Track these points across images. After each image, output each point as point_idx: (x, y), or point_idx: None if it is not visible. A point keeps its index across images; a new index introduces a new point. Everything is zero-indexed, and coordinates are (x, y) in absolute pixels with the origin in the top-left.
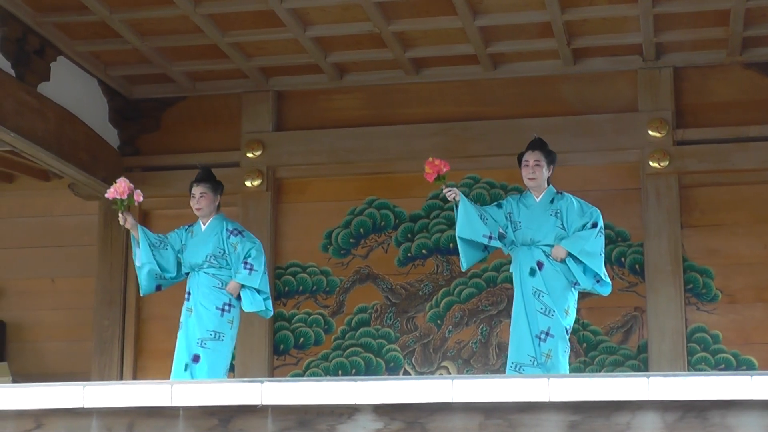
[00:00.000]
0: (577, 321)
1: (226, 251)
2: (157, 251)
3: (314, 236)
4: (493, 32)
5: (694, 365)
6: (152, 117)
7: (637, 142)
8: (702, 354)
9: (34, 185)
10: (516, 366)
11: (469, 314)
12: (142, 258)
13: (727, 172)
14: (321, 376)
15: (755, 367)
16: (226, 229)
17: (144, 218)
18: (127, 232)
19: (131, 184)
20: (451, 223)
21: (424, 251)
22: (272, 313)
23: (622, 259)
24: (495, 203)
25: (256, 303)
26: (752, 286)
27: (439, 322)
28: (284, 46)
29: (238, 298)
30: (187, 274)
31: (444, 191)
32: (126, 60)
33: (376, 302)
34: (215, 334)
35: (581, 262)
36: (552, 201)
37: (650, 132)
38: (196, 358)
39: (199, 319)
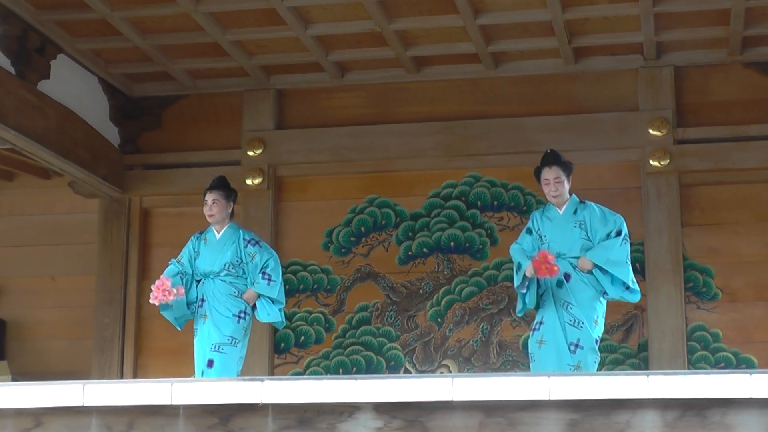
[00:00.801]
0: None
1: (244, 260)
2: (184, 301)
3: (315, 235)
4: (494, 31)
5: (694, 364)
6: (153, 115)
7: (638, 141)
8: (702, 352)
9: (35, 183)
10: None
11: (469, 313)
12: (176, 312)
13: (728, 171)
14: (321, 374)
15: (755, 366)
16: (243, 239)
17: (145, 216)
18: (129, 230)
19: (166, 287)
20: (452, 222)
21: (424, 250)
22: (284, 324)
23: None
24: (525, 230)
25: (272, 314)
26: (752, 285)
27: (439, 320)
28: (285, 45)
29: (254, 307)
30: (198, 281)
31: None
32: (127, 58)
33: (376, 301)
34: (231, 340)
35: (608, 272)
36: (575, 212)
37: (651, 131)
38: (210, 363)
39: (216, 326)
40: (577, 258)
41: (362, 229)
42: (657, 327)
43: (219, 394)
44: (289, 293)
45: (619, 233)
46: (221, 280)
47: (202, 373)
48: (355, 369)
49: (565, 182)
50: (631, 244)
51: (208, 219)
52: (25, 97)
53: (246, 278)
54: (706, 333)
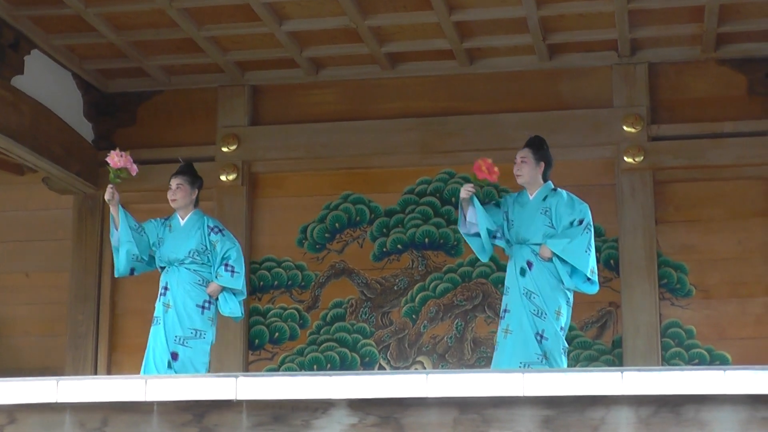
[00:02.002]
0: None
1: (208, 248)
2: (135, 234)
3: (289, 231)
4: (469, 27)
5: (668, 360)
6: (127, 111)
7: (612, 138)
8: (676, 349)
9: (8, 179)
10: (525, 365)
11: (444, 309)
12: (121, 238)
13: (702, 167)
14: (296, 370)
15: (729, 362)
16: (207, 226)
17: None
18: (103, 226)
19: (131, 160)
20: (426, 219)
21: (399, 246)
22: (242, 317)
23: (597, 254)
24: (493, 202)
25: (234, 308)
26: (726, 282)
27: (414, 317)
28: (260, 41)
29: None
30: (162, 268)
31: (468, 187)
32: (101, 54)
33: (351, 297)
34: (196, 333)
35: (567, 261)
36: (545, 199)
37: (625, 128)
38: (174, 356)
39: (180, 317)
40: (539, 245)
41: (337, 225)
42: (631, 323)
43: (193, 391)
44: (263, 289)
45: (581, 222)
46: (186, 269)
47: (169, 363)
48: (329, 365)
49: (532, 165)
50: (605, 241)
51: (171, 204)
52: None
53: (210, 266)
54: (681, 330)
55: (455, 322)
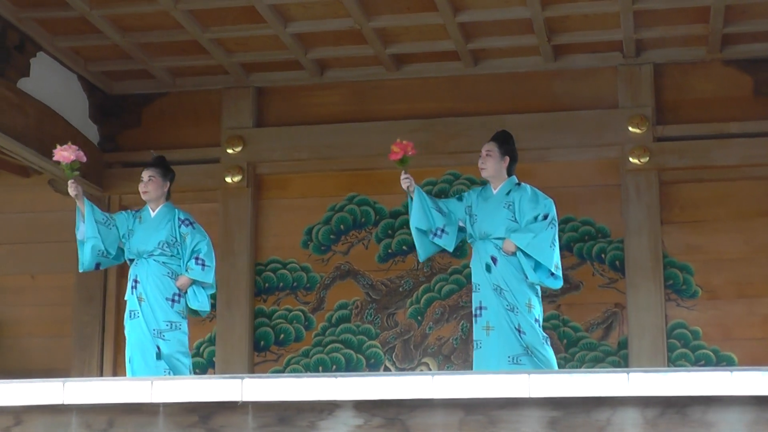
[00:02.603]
0: (557, 317)
1: (178, 240)
2: (102, 227)
3: (294, 232)
4: (474, 28)
5: (674, 361)
6: (132, 113)
7: (618, 139)
8: (682, 350)
9: (14, 181)
10: (514, 358)
11: (449, 311)
12: (86, 232)
13: (708, 168)
14: (301, 372)
15: (735, 363)
16: (178, 218)
17: None
18: None
19: (76, 148)
20: None
21: (404, 247)
22: (209, 311)
23: (603, 255)
24: (456, 196)
25: (203, 302)
26: (732, 282)
27: (419, 318)
28: (265, 42)
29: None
30: (131, 260)
31: (402, 177)
32: (106, 56)
33: (356, 298)
34: (171, 324)
35: (531, 256)
36: (508, 193)
37: (630, 128)
38: (158, 349)
39: (153, 310)
40: (502, 239)
41: (342, 227)
42: (637, 325)
43: (199, 392)
44: (268, 291)
45: (545, 217)
46: (155, 260)
47: (158, 354)
48: (335, 367)
49: (497, 158)
50: (610, 242)
51: (143, 196)
52: (4, 95)
53: (180, 258)
54: (686, 330)
55: (460, 324)
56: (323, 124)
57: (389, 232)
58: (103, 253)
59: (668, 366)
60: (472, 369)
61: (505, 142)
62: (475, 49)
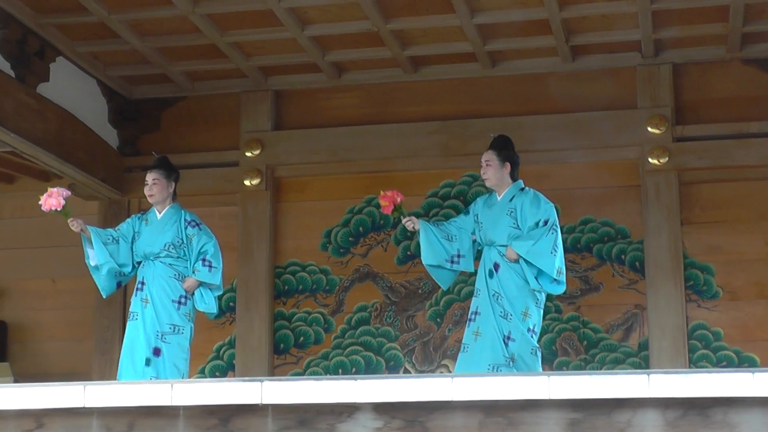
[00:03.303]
0: (577, 318)
1: (184, 241)
2: (111, 247)
3: (313, 235)
4: (491, 30)
5: (695, 363)
6: (151, 117)
7: (637, 139)
8: (703, 351)
9: (35, 186)
10: (494, 367)
11: (468, 312)
12: (98, 258)
13: (728, 168)
14: (321, 374)
15: (757, 365)
16: (184, 219)
17: None
18: None
19: (62, 190)
20: None
21: None
22: (217, 313)
23: (623, 256)
24: (464, 210)
25: (210, 303)
26: (753, 283)
27: (439, 320)
28: (283, 46)
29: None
30: (138, 263)
31: (403, 222)
32: (125, 60)
33: (375, 301)
34: (174, 328)
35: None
36: (511, 199)
37: (650, 129)
38: (157, 352)
39: (157, 312)
40: (505, 246)
41: (360, 229)
42: (657, 326)
43: (219, 395)
44: (287, 294)
45: (546, 222)
46: (161, 262)
47: (147, 360)
48: (354, 369)
49: (497, 167)
50: (630, 243)
51: (149, 199)
52: (24, 101)
53: (187, 260)
54: (707, 332)
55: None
56: (341, 126)
57: (408, 234)
58: (119, 272)
59: (689, 367)
60: None
61: (503, 148)
62: (493, 51)
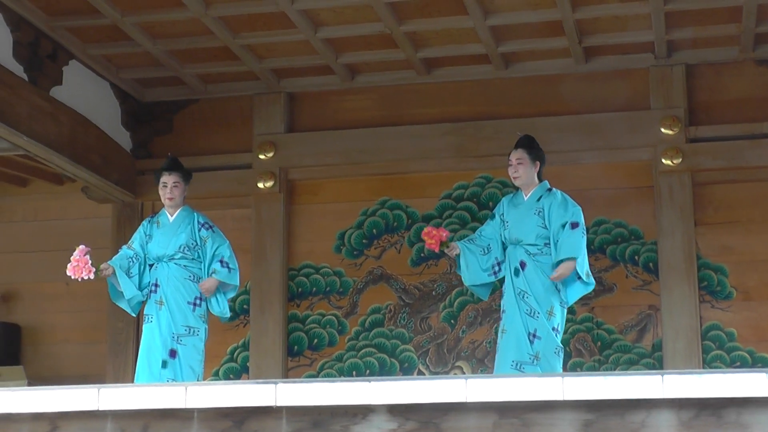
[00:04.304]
0: (590, 319)
1: (198, 243)
2: (136, 278)
3: (327, 237)
4: (504, 31)
5: (709, 363)
6: (164, 120)
7: (650, 140)
8: (717, 352)
9: (48, 189)
10: (517, 364)
11: (482, 314)
12: (127, 293)
13: (741, 169)
14: (335, 376)
15: None
16: (198, 222)
17: None
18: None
19: (80, 255)
20: (464, 223)
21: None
22: (229, 316)
23: (636, 257)
24: (490, 216)
25: (224, 309)
26: (767, 284)
27: (452, 321)
28: (295, 48)
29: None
30: (150, 265)
31: (447, 252)
32: (138, 63)
33: (389, 303)
34: (189, 330)
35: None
36: (539, 199)
37: (663, 130)
38: (173, 354)
39: (172, 314)
40: (533, 245)
41: (374, 231)
42: (671, 326)
43: (233, 397)
44: (301, 296)
45: (575, 225)
46: (176, 264)
47: (164, 363)
48: (368, 371)
49: (529, 165)
50: (644, 243)
51: (168, 202)
52: (37, 104)
53: (201, 262)
54: (721, 332)
55: (494, 327)
56: (354, 128)
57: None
58: (144, 296)
59: (703, 368)
60: None
61: (533, 147)
62: (506, 52)
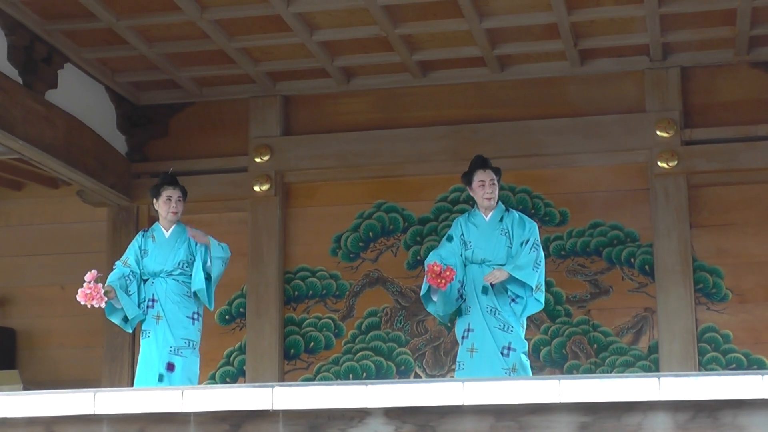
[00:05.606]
0: (587, 322)
1: (195, 257)
2: (133, 295)
3: (323, 240)
4: (499, 34)
5: (705, 365)
6: (160, 123)
7: (645, 143)
8: (713, 354)
9: (43, 192)
10: None
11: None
12: (129, 313)
13: (736, 171)
14: (332, 380)
15: (766, 367)
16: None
17: (151, 224)
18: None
19: (98, 285)
20: None
21: None
22: (212, 308)
23: (632, 259)
24: (445, 237)
25: (197, 279)
26: (762, 285)
27: (449, 325)
28: (291, 51)
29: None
30: (145, 280)
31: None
32: (133, 66)
33: (386, 306)
34: (189, 342)
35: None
36: (501, 219)
37: (658, 132)
38: (170, 367)
39: (172, 328)
40: (502, 265)
41: (370, 234)
42: (667, 329)
43: (230, 401)
44: (297, 299)
45: (527, 242)
46: (174, 280)
47: (160, 377)
48: (365, 374)
49: (497, 187)
50: (639, 246)
51: (171, 216)
52: (32, 107)
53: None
54: (717, 334)
55: None
56: (350, 131)
57: (418, 238)
58: (142, 312)
59: (699, 370)
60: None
61: (497, 168)
62: (501, 55)
